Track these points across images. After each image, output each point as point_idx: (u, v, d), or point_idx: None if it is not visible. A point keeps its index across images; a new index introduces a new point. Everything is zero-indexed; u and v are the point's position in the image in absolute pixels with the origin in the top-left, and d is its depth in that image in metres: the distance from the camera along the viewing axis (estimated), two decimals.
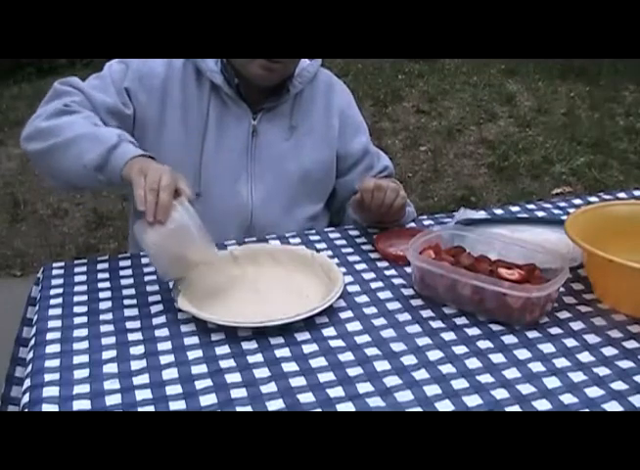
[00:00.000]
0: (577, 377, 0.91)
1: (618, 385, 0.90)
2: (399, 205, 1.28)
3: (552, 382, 0.90)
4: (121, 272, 1.20)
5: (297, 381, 0.91)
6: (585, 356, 0.96)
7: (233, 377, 0.92)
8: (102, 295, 1.13)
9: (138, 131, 1.31)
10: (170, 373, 0.93)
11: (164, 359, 0.96)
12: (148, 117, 1.32)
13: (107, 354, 0.97)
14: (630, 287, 1.03)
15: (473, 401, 0.87)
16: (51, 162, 1.21)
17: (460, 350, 0.97)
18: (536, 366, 0.94)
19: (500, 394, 0.88)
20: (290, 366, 0.94)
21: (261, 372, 0.93)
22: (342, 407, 0.86)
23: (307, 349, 0.98)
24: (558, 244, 1.14)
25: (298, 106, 1.38)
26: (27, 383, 0.92)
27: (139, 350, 0.98)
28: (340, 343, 0.99)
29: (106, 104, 1.28)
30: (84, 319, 1.06)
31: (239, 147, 1.35)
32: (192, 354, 0.97)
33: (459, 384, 0.90)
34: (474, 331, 1.02)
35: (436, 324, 1.04)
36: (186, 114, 1.33)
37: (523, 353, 0.96)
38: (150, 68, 1.33)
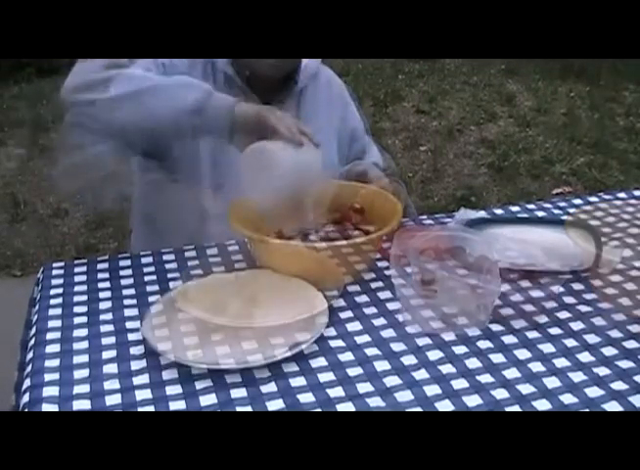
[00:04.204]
0: (577, 377, 0.91)
1: (618, 385, 0.90)
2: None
3: (552, 382, 0.90)
4: (121, 272, 1.20)
5: (297, 381, 0.91)
6: (585, 356, 0.96)
7: (233, 377, 0.92)
8: (102, 295, 1.13)
9: None
10: (170, 373, 0.93)
11: (164, 359, 0.96)
12: None
13: (107, 354, 0.97)
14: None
15: (473, 401, 0.87)
16: (121, 112, 1.10)
17: (460, 350, 0.97)
18: (536, 366, 0.94)
19: (500, 394, 0.88)
20: (290, 366, 0.94)
21: (261, 372, 0.93)
22: (342, 407, 0.86)
23: (307, 349, 0.98)
24: (558, 244, 1.14)
25: (304, 101, 1.41)
26: (27, 383, 0.92)
27: (139, 350, 0.98)
28: (340, 343, 0.99)
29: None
30: (84, 319, 1.06)
31: None
32: None
33: (459, 384, 0.90)
34: (474, 331, 1.02)
35: (437, 324, 1.04)
36: None
37: (523, 353, 0.96)
38: (170, 59, 1.28)
